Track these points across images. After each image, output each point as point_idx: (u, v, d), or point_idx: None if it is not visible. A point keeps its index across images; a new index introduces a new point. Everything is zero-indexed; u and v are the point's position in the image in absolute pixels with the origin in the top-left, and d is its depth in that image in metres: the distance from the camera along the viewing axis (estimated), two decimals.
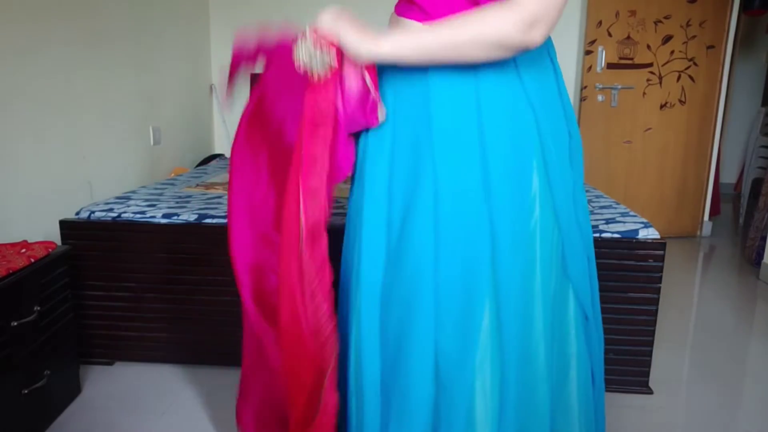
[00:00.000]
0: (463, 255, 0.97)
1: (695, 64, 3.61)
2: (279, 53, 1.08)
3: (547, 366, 1.01)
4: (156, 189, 2.34)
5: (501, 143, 0.97)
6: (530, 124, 0.98)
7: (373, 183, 1.05)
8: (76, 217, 1.94)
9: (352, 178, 1.14)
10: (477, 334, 0.97)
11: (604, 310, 1.76)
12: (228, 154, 3.86)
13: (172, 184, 2.47)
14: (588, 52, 3.61)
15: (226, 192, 2.31)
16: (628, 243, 1.73)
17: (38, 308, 1.54)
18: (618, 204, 2.12)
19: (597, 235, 1.75)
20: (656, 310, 1.75)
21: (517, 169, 0.98)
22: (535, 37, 0.88)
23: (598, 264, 1.73)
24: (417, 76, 0.99)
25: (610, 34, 3.58)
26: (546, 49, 1.04)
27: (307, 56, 0.96)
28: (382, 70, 1.04)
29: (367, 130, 1.07)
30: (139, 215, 1.91)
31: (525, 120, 0.98)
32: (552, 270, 1.01)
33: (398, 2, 1.06)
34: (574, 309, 1.05)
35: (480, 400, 0.97)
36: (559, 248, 1.02)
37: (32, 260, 1.56)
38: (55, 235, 2.04)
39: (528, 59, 0.99)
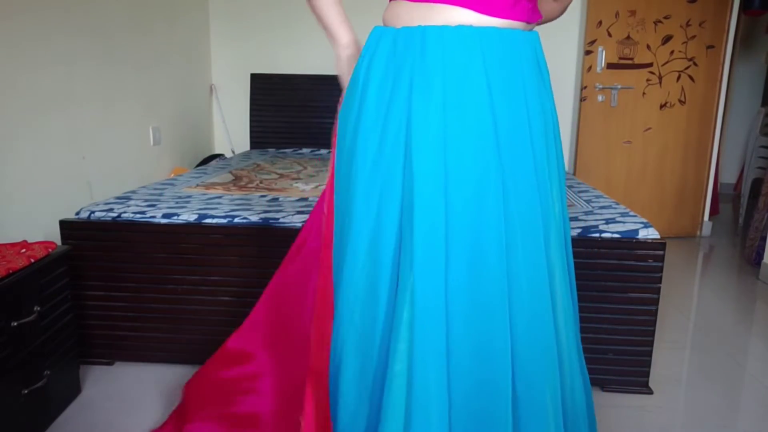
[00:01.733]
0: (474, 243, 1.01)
1: (695, 64, 3.61)
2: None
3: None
4: (156, 189, 2.34)
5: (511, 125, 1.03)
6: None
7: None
8: (76, 217, 1.94)
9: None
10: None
11: (604, 310, 1.77)
12: (228, 154, 3.86)
13: (172, 184, 2.47)
14: (588, 52, 3.61)
15: (226, 192, 2.32)
16: (628, 243, 1.73)
17: (38, 308, 1.54)
18: (618, 204, 2.12)
19: (597, 235, 1.75)
20: (656, 310, 1.75)
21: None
22: None
23: (598, 264, 1.75)
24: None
25: (610, 34, 3.58)
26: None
27: None
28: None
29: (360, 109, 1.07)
30: (139, 215, 1.91)
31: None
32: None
33: None
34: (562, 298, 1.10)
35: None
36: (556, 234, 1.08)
37: (32, 260, 1.56)
38: (55, 235, 2.04)
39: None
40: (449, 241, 1.00)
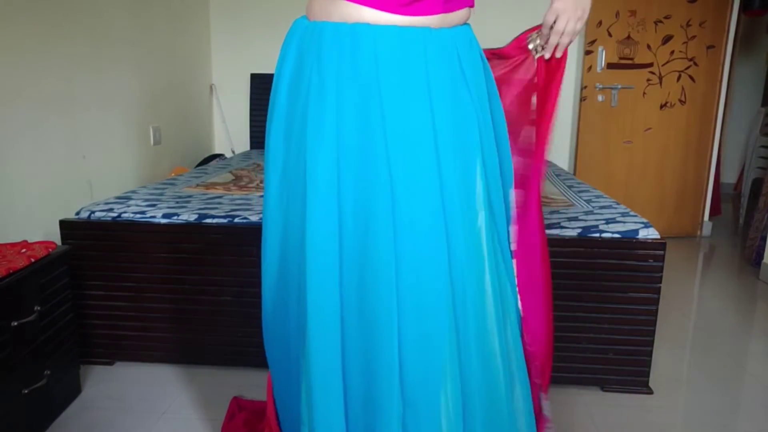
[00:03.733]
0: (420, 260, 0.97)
1: (695, 64, 3.61)
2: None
3: (503, 358, 1.02)
4: (156, 189, 2.34)
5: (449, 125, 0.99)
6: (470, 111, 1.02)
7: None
8: (76, 217, 1.94)
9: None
10: (442, 349, 0.97)
11: (604, 310, 1.77)
12: (228, 154, 3.86)
13: (172, 184, 2.47)
14: (588, 52, 3.61)
15: (226, 192, 2.32)
16: (628, 243, 1.73)
17: (38, 308, 1.55)
18: (618, 204, 2.12)
19: (597, 235, 1.75)
20: (656, 310, 1.75)
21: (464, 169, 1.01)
22: None
23: (598, 264, 1.75)
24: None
25: (610, 34, 3.58)
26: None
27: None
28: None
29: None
30: (139, 215, 1.91)
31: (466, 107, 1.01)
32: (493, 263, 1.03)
33: None
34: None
35: (444, 413, 0.97)
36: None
37: (32, 260, 1.56)
38: (55, 235, 2.04)
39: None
40: (342, 246, 0.98)
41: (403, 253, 0.96)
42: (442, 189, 0.97)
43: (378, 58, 0.96)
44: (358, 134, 0.97)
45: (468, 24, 1.08)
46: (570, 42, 1.09)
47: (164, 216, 1.90)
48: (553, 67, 1.14)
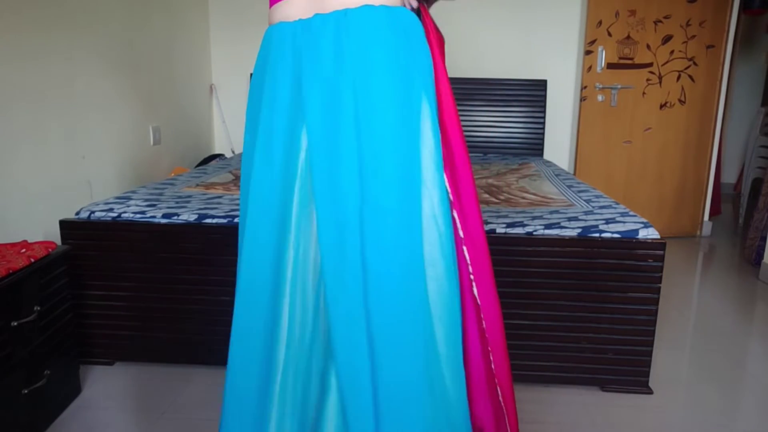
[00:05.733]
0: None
1: (695, 63, 3.61)
2: None
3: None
4: (156, 189, 2.34)
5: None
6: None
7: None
8: (76, 217, 1.94)
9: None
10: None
11: (604, 310, 1.77)
12: (228, 154, 3.86)
13: (172, 184, 2.47)
14: (588, 52, 3.61)
15: (226, 192, 2.32)
16: (628, 243, 1.73)
17: (38, 308, 1.55)
18: (618, 204, 2.12)
19: (597, 235, 1.76)
20: (656, 310, 1.75)
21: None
22: None
23: (598, 264, 1.75)
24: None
25: (610, 34, 3.58)
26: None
27: None
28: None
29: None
30: (139, 215, 1.91)
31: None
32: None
33: None
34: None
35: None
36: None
37: (32, 260, 1.56)
38: (55, 235, 2.04)
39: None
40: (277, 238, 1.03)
41: (322, 248, 0.97)
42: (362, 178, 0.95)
43: (294, 53, 1.00)
44: (266, 135, 1.03)
45: (372, 5, 0.97)
46: None
47: (164, 216, 1.90)
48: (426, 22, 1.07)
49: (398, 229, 0.95)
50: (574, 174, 3.76)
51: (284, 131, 1.02)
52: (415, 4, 1.03)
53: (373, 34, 0.95)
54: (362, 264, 0.95)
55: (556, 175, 2.87)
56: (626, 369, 1.81)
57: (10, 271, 1.47)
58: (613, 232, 1.76)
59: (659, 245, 1.72)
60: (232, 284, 1.84)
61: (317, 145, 0.97)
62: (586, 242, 1.74)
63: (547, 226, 1.80)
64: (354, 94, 0.95)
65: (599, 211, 2.02)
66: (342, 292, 0.96)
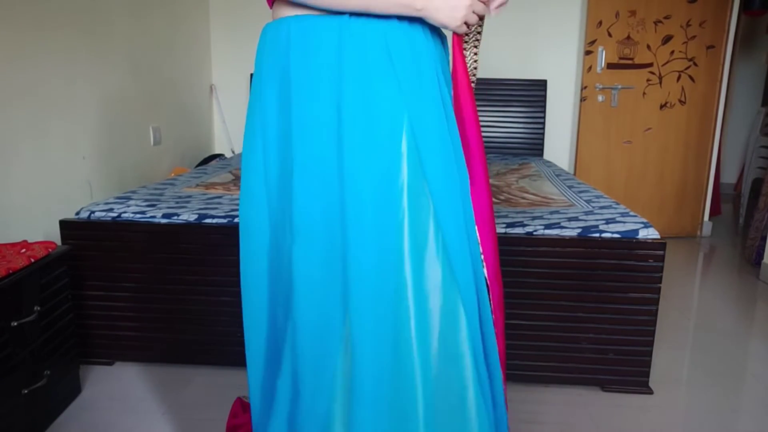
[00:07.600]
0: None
1: (695, 64, 3.61)
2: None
3: (422, 362, 0.97)
4: (156, 189, 2.34)
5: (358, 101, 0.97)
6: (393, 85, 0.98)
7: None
8: (76, 217, 1.94)
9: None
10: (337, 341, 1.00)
11: (604, 310, 1.77)
12: (228, 154, 3.86)
13: (172, 184, 2.47)
14: (588, 52, 3.61)
15: (226, 192, 2.32)
16: (628, 243, 1.73)
17: (38, 308, 1.55)
18: (618, 204, 2.12)
19: (597, 235, 1.75)
20: (656, 310, 1.75)
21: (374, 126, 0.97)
22: None
23: (598, 264, 1.75)
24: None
25: (610, 34, 3.58)
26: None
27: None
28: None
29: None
30: (139, 215, 1.91)
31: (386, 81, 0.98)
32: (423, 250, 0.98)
33: None
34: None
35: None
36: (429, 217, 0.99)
37: (32, 260, 1.56)
38: (55, 235, 2.04)
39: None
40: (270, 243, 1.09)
41: (298, 246, 1.00)
42: (342, 180, 0.97)
43: (290, 51, 1.00)
44: (279, 126, 1.04)
45: (406, 21, 1.00)
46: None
47: (164, 216, 1.90)
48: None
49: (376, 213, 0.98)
50: (574, 174, 3.76)
51: (276, 128, 1.05)
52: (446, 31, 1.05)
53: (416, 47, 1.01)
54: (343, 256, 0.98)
55: (557, 175, 2.87)
56: (626, 369, 1.81)
57: (10, 271, 1.47)
58: (613, 232, 1.76)
59: (659, 245, 1.72)
60: (232, 284, 1.85)
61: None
62: (586, 242, 1.74)
63: (548, 226, 1.80)
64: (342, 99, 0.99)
65: (599, 211, 2.02)
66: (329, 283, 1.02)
